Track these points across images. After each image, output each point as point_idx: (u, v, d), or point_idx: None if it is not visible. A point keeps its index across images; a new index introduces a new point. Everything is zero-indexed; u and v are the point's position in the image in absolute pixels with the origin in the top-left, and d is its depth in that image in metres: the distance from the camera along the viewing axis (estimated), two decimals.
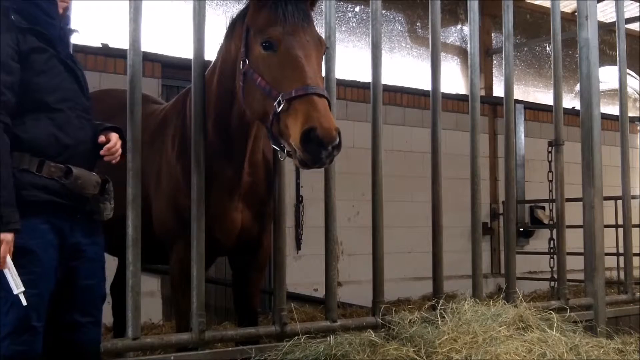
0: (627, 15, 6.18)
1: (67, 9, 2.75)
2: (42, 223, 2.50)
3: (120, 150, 2.76)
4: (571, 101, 9.90)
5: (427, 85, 4.61)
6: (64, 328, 2.62)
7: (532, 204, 9.13)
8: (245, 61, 3.07)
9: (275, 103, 2.86)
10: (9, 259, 2.37)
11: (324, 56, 3.13)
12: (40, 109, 2.54)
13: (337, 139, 2.73)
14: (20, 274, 2.39)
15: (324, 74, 3.93)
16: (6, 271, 2.40)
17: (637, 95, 11.66)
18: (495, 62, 9.79)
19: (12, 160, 2.43)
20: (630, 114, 6.88)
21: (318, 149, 2.70)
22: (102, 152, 2.70)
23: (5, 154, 2.40)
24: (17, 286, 2.38)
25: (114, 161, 2.77)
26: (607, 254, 5.11)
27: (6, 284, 2.39)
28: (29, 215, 2.45)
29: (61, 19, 2.69)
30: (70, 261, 2.59)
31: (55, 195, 2.51)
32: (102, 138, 2.72)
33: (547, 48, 10.36)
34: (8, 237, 2.36)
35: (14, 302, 2.39)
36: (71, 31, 2.85)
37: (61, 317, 2.59)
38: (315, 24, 3.14)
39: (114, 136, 2.75)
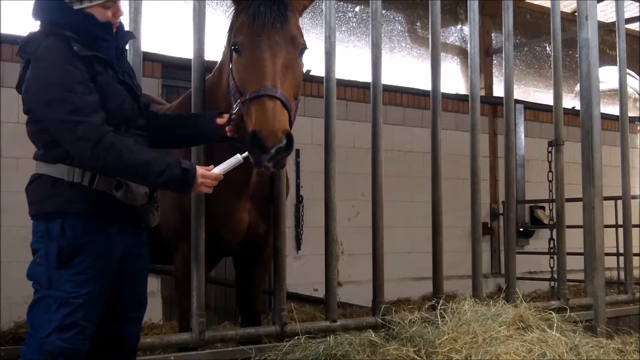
0: (627, 15, 6.19)
1: (119, 23, 2.77)
2: (96, 230, 2.57)
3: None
4: (571, 101, 9.88)
5: (427, 85, 4.62)
6: (109, 321, 2.67)
7: (532, 204, 9.12)
8: (229, 65, 3.09)
9: (234, 105, 2.91)
10: (208, 173, 2.67)
11: (302, 55, 3.03)
12: None
13: (284, 142, 2.67)
14: (72, 274, 2.49)
15: (324, 74, 3.95)
16: (224, 168, 2.73)
17: (637, 95, 11.65)
18: (495, 62, 9.78)
19: (65, 173, 2.54)
20: (630, 114, 6.88)
21: (259, 152, 2.70)
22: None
23: (136, 144, 2.58)
24: (234, 158, 2.74)
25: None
26: (607, 254, 5.12)
27: (57, 284, 2.48)
28: (83, 223, 2.54)
29: (116, 36, 2.72)
30: (121, 264, 2.67)
31: (106, 207, 2.60)
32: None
33: (547, 48, 10.35)
34: (199, 171, 2.63)
35: (64, 300, 2.47)
36: (127, 36, 2.87)
37: (108, 311, 2.65)
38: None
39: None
